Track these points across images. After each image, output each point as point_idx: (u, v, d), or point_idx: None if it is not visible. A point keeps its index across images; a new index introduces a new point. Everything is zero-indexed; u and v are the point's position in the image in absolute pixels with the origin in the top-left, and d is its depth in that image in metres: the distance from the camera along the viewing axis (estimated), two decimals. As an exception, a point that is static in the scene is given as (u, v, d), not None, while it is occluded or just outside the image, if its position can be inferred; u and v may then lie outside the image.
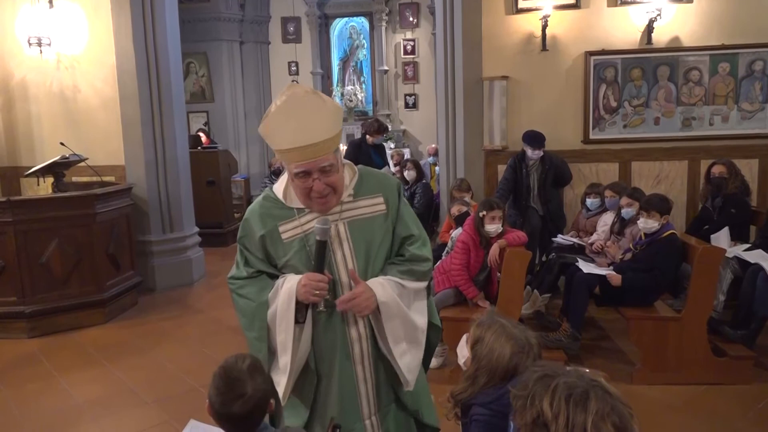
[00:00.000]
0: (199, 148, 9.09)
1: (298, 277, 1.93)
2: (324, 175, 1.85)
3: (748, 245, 4.62)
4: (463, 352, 2.01)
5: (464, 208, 4.98)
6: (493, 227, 4.16)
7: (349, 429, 2.01)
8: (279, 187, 2.05)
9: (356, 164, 2.11)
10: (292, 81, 12.13)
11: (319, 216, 1.94)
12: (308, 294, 1.88)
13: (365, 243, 1.99)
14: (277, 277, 2.01)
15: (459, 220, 4.74)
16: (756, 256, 4.29)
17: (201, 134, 9.94)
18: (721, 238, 4.62)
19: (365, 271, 1.99)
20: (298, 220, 1.97)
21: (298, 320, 1.93)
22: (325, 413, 2.04)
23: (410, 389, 2.09)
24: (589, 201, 5.31)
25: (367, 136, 6.80)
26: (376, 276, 2.00)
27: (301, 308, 1.93)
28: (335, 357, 2.01)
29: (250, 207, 2.08)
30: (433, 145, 10.09)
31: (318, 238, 1.88)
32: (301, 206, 1.98)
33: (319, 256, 1.90)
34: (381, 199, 2.03)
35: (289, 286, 1.93)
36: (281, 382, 1.96)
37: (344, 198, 1.98)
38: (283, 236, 1.97)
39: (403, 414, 2.15)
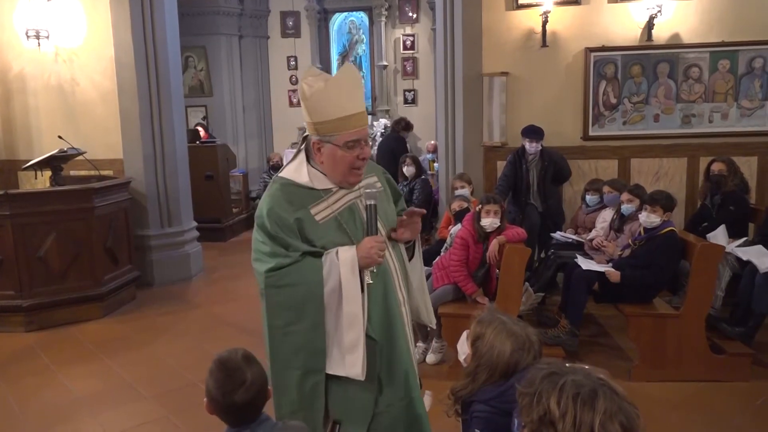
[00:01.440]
0: (197, 142, 9.06)
1: (351, 246, 1.99)
2: (366, 144, 2.05)
3: (743, 239, 4.62)
4: (463, 348, 2.01)
5: (465, 204, 4.97)
6: (488, 221, 4.15)
7: (415, 387, 2.14)
8: (297, 173, 2.07)
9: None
10: (291, 76, 12.09)
11: (344, 193, 2.06)
12: (375, 255, 1.96)
13: (383, 213, 2.15)
14: (318, 255, 1.99)
15: (459, 216, 4.74)
16: (754, 251, 4.29)
17: (199, 128, 9.89)
18: (719, 236, 4.63)
19: (388, 236, 2.16)
20: (327, 200, 2.04)
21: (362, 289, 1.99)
22: (392, 380, 2.09)
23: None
24: (588, 197, 5.30)
25: (401, 132, 7.76)
26: (394, 244, 2.21)
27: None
28: (392, 322, 2.09)
29: (269, 199, 2.04)
30: (432, 142, 10.06)
31: (369, 202, 2.00)
32: (328, 187, 2.05)
33: (373, 219, 2.01)
34: (376, 179, 2.25)
35: (349, 255, 1.96)
36: (355, 360, 1.96)
37: None
38: (317, 218, 2.02)
39: None
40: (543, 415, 1.22)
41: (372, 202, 2.00)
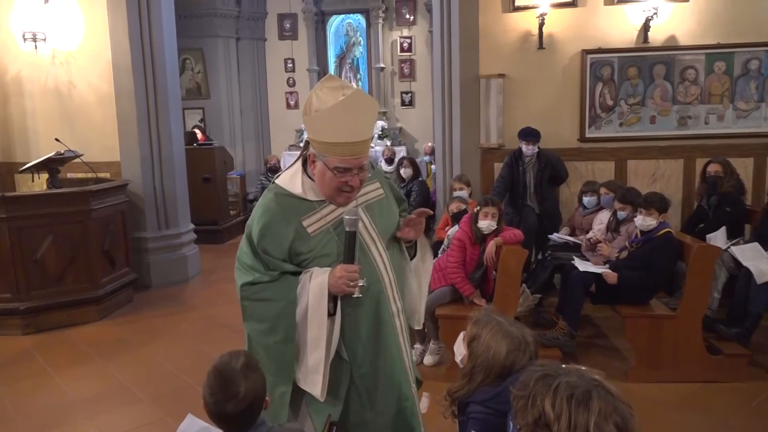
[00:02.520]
0: (194, 144, 9.06)
1: (326, 270, 1.96)
2: (360, 171, 1.97)
3: (737, 240, 4.63)
4: (459, 349, 2.01)
5: (463, 206, 4.97)
6: (485, 223, 4.16)
7: (406, 398, 2.13)
8: (291, 182, 2.05)
9: None
10: (288, 78, 12.11)
11: (337, 207, 2.03)
12: (344, 286, 1.92)
13: (382, 223, 2.13)
14: (298, 273, 1.99)
15: (457, 218, 4.74)
16: (750, 250, 4.30)
17: (197, 131, 9.90)
18: (718, 238, 4.64)
19: (385, 246, 2.13)
20: (320, 212, 2.02)
21: (330, 313, 1.97)
22: (379, 391, 2.09)
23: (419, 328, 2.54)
24: (585, 199, 5.31)
25: None
26: (396, 252, 2.19)
27: (331, 300, 1.96)
28: (383, 335, 2.07)
29: (263, 209, 2.02)
30: (429, 144, 10.07)
31: (348, 229, 1.94)
32: (321, 198, 2.02)
33: (351, 247, 1.96)
34: (378, 185, 2.22)
35: (319, 280, 1.94)
36: (316, 381, 1.97)
37: None
38: (309, 230, 2.00)
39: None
40: (538, 417, 1.22)
41: (351, 229, 1.95)
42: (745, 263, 4.21)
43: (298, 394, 2.07)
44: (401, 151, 10.80)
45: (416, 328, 2.45)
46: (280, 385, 2.02)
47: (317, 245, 2.00)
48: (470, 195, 5.55)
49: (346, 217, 1.94)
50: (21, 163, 6.17)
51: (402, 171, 7.37)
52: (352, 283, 1.93)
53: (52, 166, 5.78)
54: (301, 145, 2.20)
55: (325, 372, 1.97)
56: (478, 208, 4.25)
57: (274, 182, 2.11)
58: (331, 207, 2.03)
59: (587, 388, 1.20)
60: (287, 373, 2.00)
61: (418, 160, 8.74)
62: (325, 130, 1.91)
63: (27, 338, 5.05)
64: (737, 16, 5.62)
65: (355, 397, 2.08)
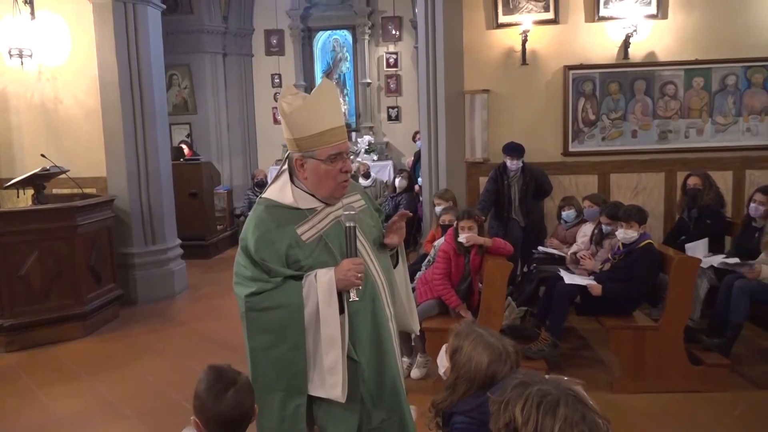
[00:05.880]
0: (181, 159, 9.05)
1: (330, 268, 1.99)
2: (348, 157, 2.08)
3: (721, 256, 4.71)
4: (442, 362, 2.05)
5: (455, 221, 5.01)
6: (464, 237, 4.21)
7: (402, 405, 2.16)
8: (280, 193, 2.09)
9: None
10: (275, 93, 12.15)
11: (328, 212, 2.09)
12: (353, 278, 1.96)
13: (368, 230, 2.20)
14: (300, 278, 2.01)
15: (446, 228, 4.78)
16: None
17: (183, 146, 9.89)
18: (698, 249, 4.71)
19: (374, 252, 2.20)
20: (312, 220, 2.06)
21: (341, 310, 2.00)
22: (387, 393, 2.11)
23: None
24: (564, 213, 5.38)
25: None
26: (382, 258, 2.24)
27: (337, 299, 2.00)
28: (382, 340, 2.10)
29: (256, 221, 2.05)
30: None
31: (349, 224, 2.01)
32: (312, 206, 2.07)
33: (351, 242, 2.02)
34: (359, 196, 2.29)
35: (327, 278, 1.97)
36: (335, 382, 1.96)
37: None
38: (303, 237, 2.03)
39: None
40: (508, 422, 1.26)
41: (351, 224, 2.01)
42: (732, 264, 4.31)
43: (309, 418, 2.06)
44: (387, 165, 10.92)
45: (414, 332, 2.52)
46: (294, 398, 2.00)
47: (312, 252, 2.03)
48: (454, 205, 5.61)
49: (345, 212, 2.02)
50: (6, 178, 6.15)
51: (397, 181, 7.72)
52: (360, 275, 1.97)
53: (37, 181, 5.75)
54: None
55: (343, 371, 1.96)
56: (456, 221, 4.31)
57: (261, 196, 2.14)
58: (322, 214, 2.07)
59: (557, 396, 1.23)
60: (299, 383, 1.99)
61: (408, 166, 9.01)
62: (310, 123, 1.99)
63: (11, 356, 5.00)
64: (714, 33, 5.76)
65: (368, 401, 2.09)
